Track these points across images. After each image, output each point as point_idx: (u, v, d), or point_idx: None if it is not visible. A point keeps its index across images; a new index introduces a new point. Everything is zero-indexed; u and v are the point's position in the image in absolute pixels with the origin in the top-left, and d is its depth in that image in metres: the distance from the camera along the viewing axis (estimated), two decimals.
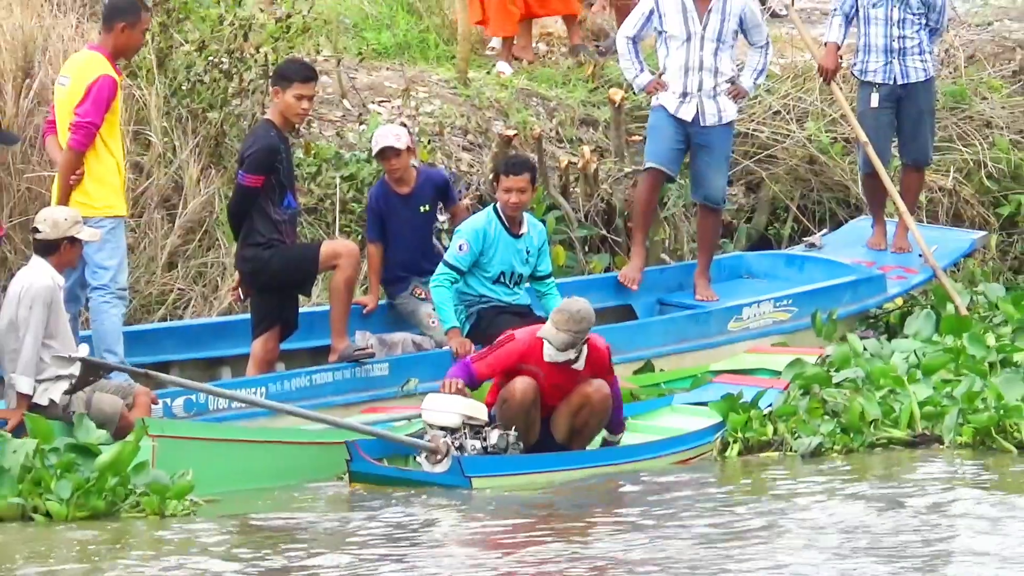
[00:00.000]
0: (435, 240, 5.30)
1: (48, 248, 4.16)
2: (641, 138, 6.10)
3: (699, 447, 4.51)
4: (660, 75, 5.79)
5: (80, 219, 4.34)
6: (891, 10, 5.91)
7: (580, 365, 4.36)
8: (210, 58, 5.93)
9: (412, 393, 4.65)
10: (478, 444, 4.17)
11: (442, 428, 4.15)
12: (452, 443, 4.12)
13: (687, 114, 5.52)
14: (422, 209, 5.05)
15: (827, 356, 5.07)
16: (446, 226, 5.32)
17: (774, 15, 7.20)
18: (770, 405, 4.71)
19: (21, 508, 3.72)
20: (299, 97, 4.64)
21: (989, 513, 3.77)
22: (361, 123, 5.78)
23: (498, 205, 4.93)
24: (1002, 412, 4.59)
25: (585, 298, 4.64)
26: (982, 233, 6.34)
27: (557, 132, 6.25)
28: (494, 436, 4.21)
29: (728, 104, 5.70)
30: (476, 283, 4.83)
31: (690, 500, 4.17)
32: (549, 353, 4.23)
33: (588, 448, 4.46)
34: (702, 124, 5.59)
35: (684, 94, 5.62)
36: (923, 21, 6.04)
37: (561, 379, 4.24)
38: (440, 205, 5.20)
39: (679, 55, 5.52)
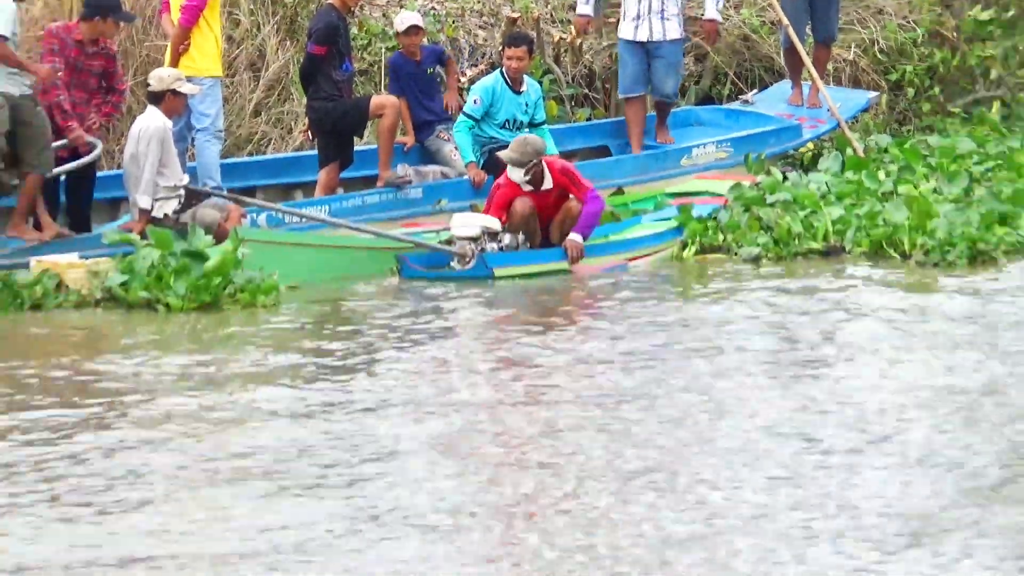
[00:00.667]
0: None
1: (156, 98, 5.33)
2: (615, 20, 7.21)
3: (662, 245, 5.73)
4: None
5: (181, 76, 5.51)
6: None
7: (548, 185, 5.47)
8: None
9: (442, 211, 5.82)
10: (495, 246, 5.38)
11: (467, 238, 5.35)
12: (475, 248, 5.35)
13: (643, 35, 6.67)
14: (428, 71, 6.28)
15: (760, 183, 6.22)
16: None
17: None
18: (713, 215, 5.89)
19: (148, 300, 4.88)
20: None
21: (878, 301, 5.06)
22: (401, 6, 6.93)
23: (504, 69, 6.17)
24: (891, 229, 5.79)
25: (570, 142, 6.00)
26: (875, 93, 7.62)
27: (551, 14, 7.52)
28: (507, 238, 5.45)
29: (674, 26, 6.80)
30: (488, 128, 6.02)
31: (656, 292, 5.46)
32: (511, 174, 5.44)
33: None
34: (655, 40, 6.68)
35: (637, 16, 6.68)
36: None
37: (542, 201, 5.48)
38: (435, 69, 6.43)
39: None
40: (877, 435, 3.38)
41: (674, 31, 6.85)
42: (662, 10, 6.76)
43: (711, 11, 6.81)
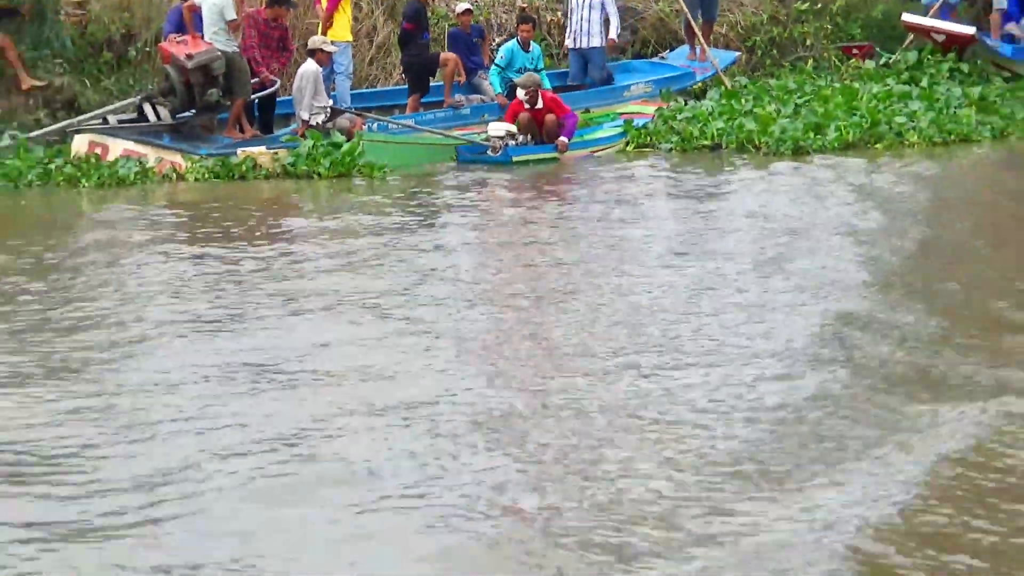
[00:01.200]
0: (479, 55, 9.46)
1: (311, 53, 8.19)
2: None
3: (614, 144, 8.85)
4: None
5: (327, 40, 8.41)
6: None
7: (540, 105, 8.29)
8: None
9: (484, 122, 8.57)
10: (513, 142, 8.29)
11: (497, 137, 8.26)
12: (502, 143, 8.25)
13: (578, 44, 9.66)
14: (474, 39, 9.34)
15: (671, 106, 9.31)
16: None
17: None
18: (645, 125, 8.92)
19: (307, 172, 7.73)
20: None
21: (742, 173, 7.93)
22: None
23: (517, 37, 9.21)
24: (749, 133, 8.63)
25: (556, 82, 9.31)
26: (738, 53, 10.77)
27: (546, 4, 10.69)
28: (520, 138, 8.36)
29: (596, 38, 9.51)
30: (509, 73, 8.95)
31: (609, 174, 8.24)
32: (519, 94, 8.36)
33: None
34: (585, 47, 9.62)
35: (572, 31, 9.66)
36: None
37: (537, 116, 8.34)
38: (479, 39, 9.47)
39: (574, 11, 9.64)
40: (754, 252, 5.41)
41: (597, 40, 9.59)
42: (589, 28, 9.52)
43: (614, 34, 9.65)
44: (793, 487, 2.48)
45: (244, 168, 7.67)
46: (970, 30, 10.38)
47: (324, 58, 8.28)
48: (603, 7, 9.61)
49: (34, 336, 4.09)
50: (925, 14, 10.68)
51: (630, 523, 2.23)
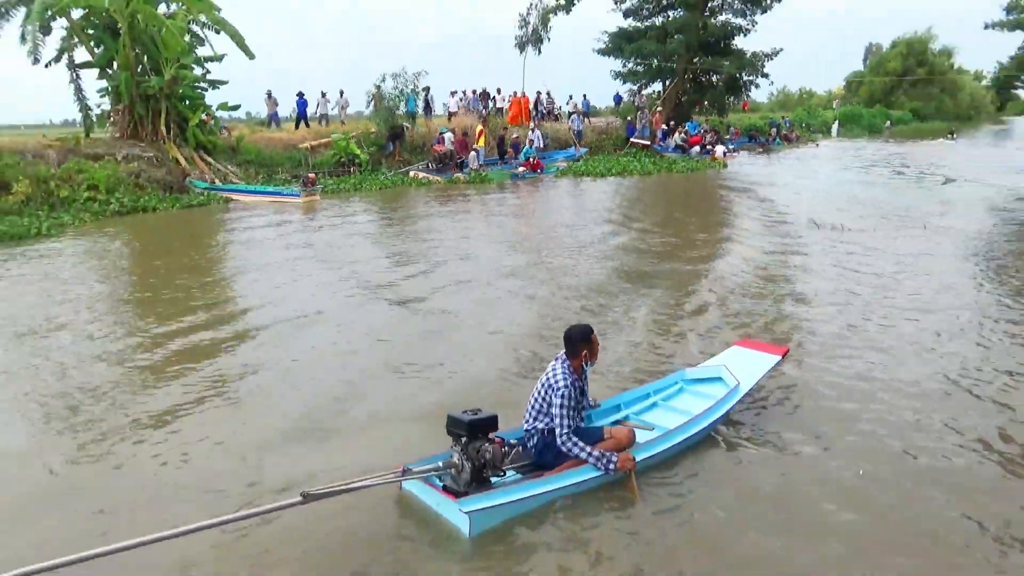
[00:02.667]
0: None
1: None
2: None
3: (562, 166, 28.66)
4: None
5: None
6: None
7: None
8: None
9: None
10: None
11: None
12: None
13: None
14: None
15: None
16: None
17: None
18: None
19: None
20: None
21: (592, 185, 27.99)
22: None
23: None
24: (594, 169, 29.16)
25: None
26: (586, 149, 31.67)
27: None
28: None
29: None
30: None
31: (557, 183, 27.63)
32: None
33: None
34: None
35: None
36: None
37: None
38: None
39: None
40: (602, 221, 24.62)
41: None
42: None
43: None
44: None
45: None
46: (647, 141, 31.70)
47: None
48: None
49: None
50: (631, 136, 31.93)
51: None
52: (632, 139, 32.74)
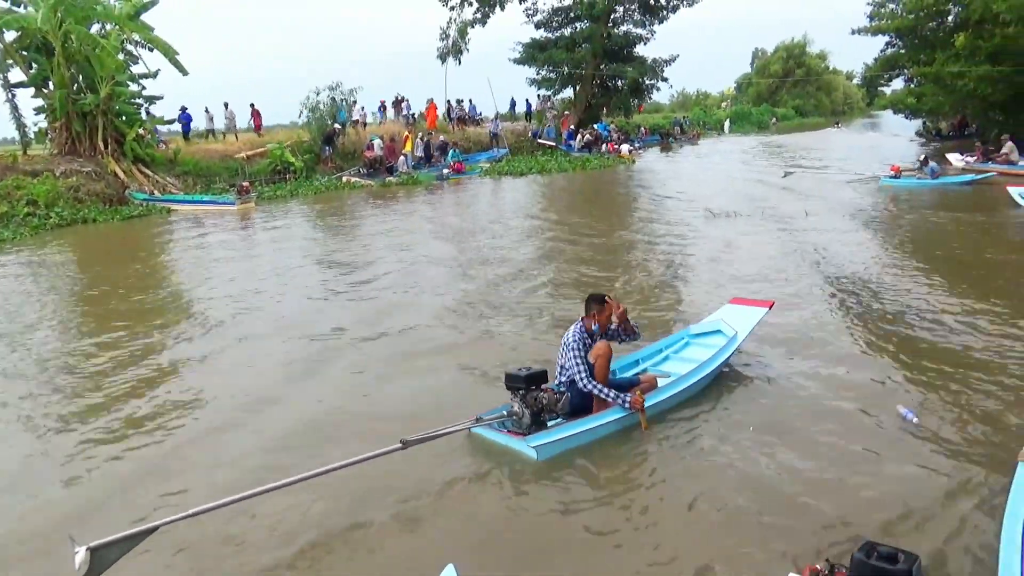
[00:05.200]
0: None
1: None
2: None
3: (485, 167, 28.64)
4: None
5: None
6: None
7: None
8: None
9: None
10: None
11: None
12: None
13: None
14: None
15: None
16: None
17: None
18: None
19: None
20: None
21: (512, 184, 28.16)
22: None
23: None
24: (516, 168, 29.39)
25: None
26: (506, 150, 31.69)
27: None
28: None
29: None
30: None
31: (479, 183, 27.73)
32: None
33: None
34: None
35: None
36: None
37: None
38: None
39: None
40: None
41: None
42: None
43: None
44: None
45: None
46: (552, 142, 31.98)
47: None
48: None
49: None
50: (536, 137, 32.13)
51: None
52: (538, 140, 32.98)
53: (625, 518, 4.13)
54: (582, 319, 5.37)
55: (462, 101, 34.41)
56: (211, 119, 27.73)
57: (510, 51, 38.93)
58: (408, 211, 18.79)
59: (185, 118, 26.61)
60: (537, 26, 38.75)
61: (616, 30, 37.81)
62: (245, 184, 21.48)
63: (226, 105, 27.90)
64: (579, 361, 5.13)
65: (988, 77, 24.43)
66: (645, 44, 38.21)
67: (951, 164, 22.29)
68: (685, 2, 37.01)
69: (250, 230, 16.54)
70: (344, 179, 24.90)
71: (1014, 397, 5.49)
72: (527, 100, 36.12)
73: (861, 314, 7.83)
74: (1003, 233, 12.57)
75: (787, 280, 9.41)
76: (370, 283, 10.07)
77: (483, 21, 36.00)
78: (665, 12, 37.37)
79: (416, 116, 31.78)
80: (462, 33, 35.05)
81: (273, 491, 3.94)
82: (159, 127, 24.69)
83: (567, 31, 38.36)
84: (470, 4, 35.62)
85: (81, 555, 3.11)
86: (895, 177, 19.40)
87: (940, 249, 11.34)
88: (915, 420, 5.08)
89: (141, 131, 22.55)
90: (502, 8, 36.20)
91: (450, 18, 35.82)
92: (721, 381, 6.00)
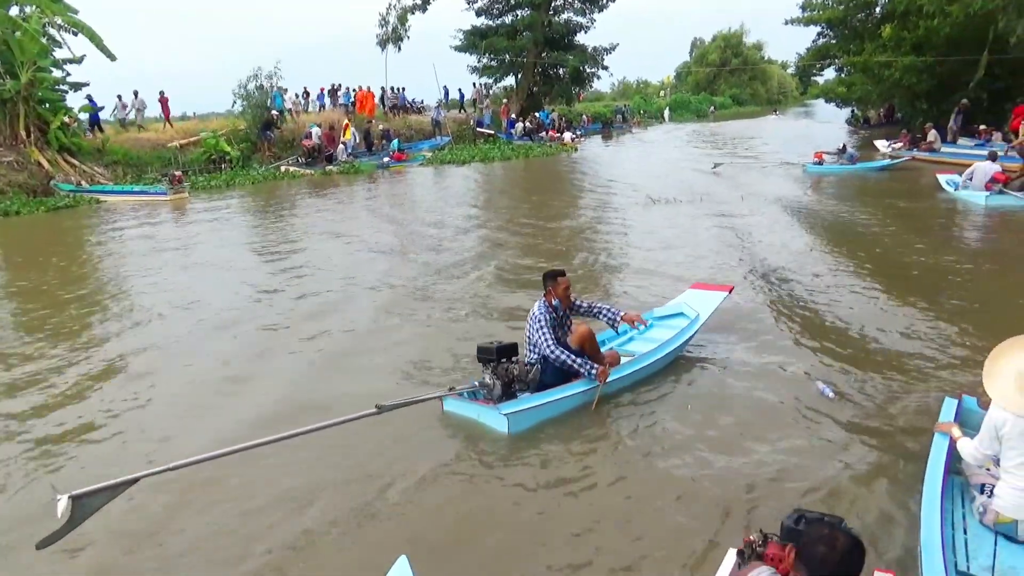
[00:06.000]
0: None
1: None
2: None
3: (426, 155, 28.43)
4: None
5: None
6: None
7: None
8: None
9: None
10: None
11: None
12: None
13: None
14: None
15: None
16: None
17: None
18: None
19: None
20: None
21: (457, 171, 28.04)
22: None
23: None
24: (457, 157, 29.17)
25: None
26: (449, 138, 31.48)
27: None
28: None
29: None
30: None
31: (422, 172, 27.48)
32: None
33: None
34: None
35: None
36: None
37: None
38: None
39: None
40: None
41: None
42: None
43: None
44: None
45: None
46: (491, 131, 31.96)
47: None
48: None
49: None
50: (480, 127, 32.06)
51: None
52: (478, 129, 32.90)
53: (572, 496, 4.25)
54: (544, 295, 5.50)
55: (396, 89, 33.98)
56: (124, 107, 25.67)
57: (451, 38, 38.72)
58: (348, 200, 18.58)
59: (92, 105, 24.12)
60: (478, 13, 38.66)
61: (557, 18, 37.95)
62: (178, 174, 20.86)
63: (136, 94, 25.97)
64: (545, 333, 5.27)
65: (913, 67, 25.40)
66: (586, 32, 38.57)
67: (879, 151, 23.18)
68: None
69: (184, 221, 16.09)
70: (283, 168, 24.41)
71: (929, 372, 5.82)
72: (460, 89, 35.71)
73: (793, 296, 8.16)
74: (929, 217, 13.20)
75: (729, 265, 9.66)
76: (310, 275, 9.94)
77: (423, 7, 35.68)
78: (605, 0, 37.65)
79: (350, 104, 31.17)
80: (402, 19, 34.62)
81: (251, 449, 4.06)
82: (85, 115, 23.71)
83: (508, 19, 38.35)
84: None
85: (63, 503, 3.17)
86: (819, 163, 20.36)
87: (867, 234, 11.80)
88: (831, 395, 5.32)
89: (67, 119, 21.64)
90: None
91: (389, 4, 35.38)
92: (677, 361, 6.21)
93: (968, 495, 3.76)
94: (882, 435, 4.78)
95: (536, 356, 5.37)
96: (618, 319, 5.83)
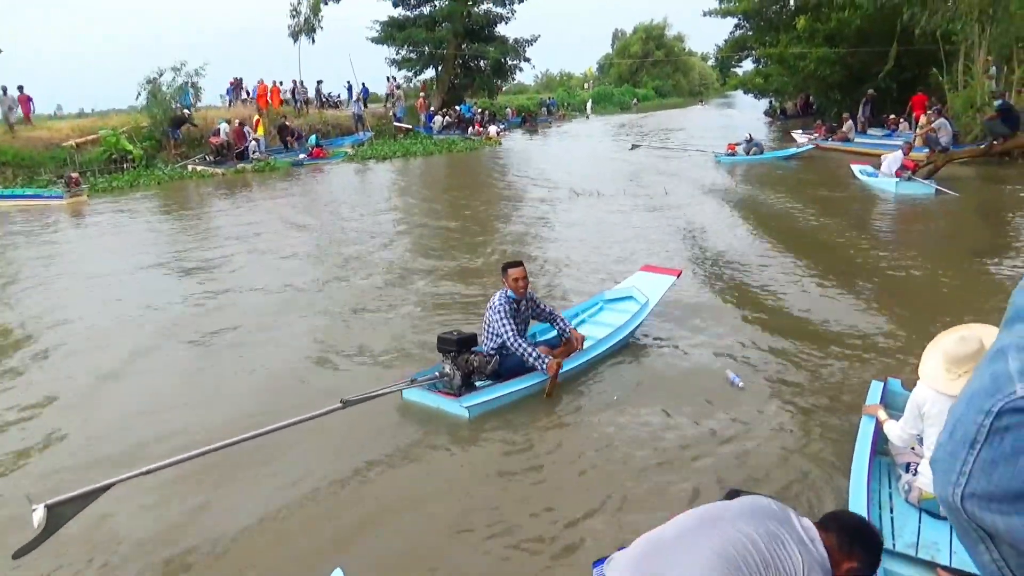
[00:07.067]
0: None
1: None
2: None
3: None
4: None
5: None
6: None
7: None
8: None
9: None
10: None
11: None
12: None
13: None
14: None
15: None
16: None
17: None
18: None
19: None
20: None
21: (389, 167, 27.63)
22: None
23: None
24: (382, 152, 28.77)
25: None
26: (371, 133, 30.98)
27: None
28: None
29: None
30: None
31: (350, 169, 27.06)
32: None
33: None
34: None
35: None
36: None
37: None
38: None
39: None
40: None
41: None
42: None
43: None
44: None
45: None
46: (409, 125, 31.66)
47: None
48: None
49: None
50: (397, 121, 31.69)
51: None
52: (396, 124, 32.46)
53: (527, 475, 4.45)
54: (504, 286, 5.69)
55: (301, 83, 32.79)
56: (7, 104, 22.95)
57: (367, 30, 38.07)
58: (261, 200, 17.92)
59: None
60: (395, 3, 38.09)
61: (476, 8, 37.78)
62: (75, 175, 19.75)
63: (4, 90, 22.85)
64: (506, 324, 5.45)
65: (826, 58, 26.46)
66: (507, 24, 38.44)
67: (796, 141, 24.04)
68: None
69: (82, 227, 15.21)
70: (190, 167, 23.46)
71: (855, 356, 6.09)
72: (363, 84, 34.55)
73: (725, 282, 8.48)
74: (847, 204, 13.77)
75: (661, 253, 9.85)
76: (223, 286, 9.44)
77: None
78: None
79: (252, 100, 30.00)
80: (315, 9, 33.78)
81: (218, 450, 4.11)
82: None
83: (426, 9, 37.97)
84: None
85: (39, 512, 3.27)
86: (731, 155, 21.55)
87: (786, 220, 12.18)
88: (740, 384, 5.53)
89: None
90: None
91: None
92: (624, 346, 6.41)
93: (894, 475, 3.90)
94: (810, 417, 4.98)
95: (494, 346, 5.54)
96: (566, 334, 5.92)
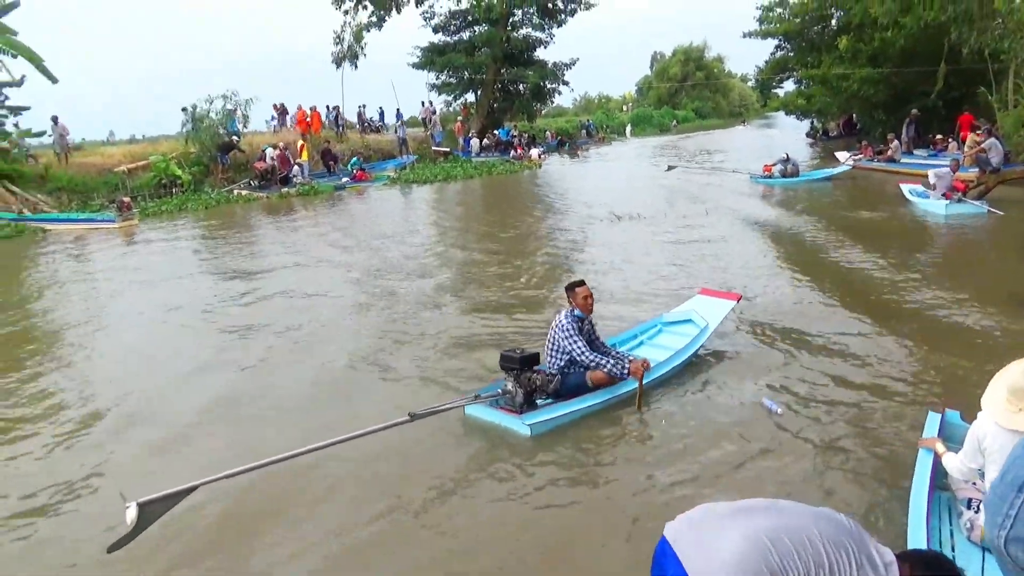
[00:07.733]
0: None
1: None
2: None
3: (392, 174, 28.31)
4: None
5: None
6: None
7: None
8: None
9: None
10: None
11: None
12: None
13: None
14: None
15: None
16: None
17: None
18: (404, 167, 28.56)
19: None
20: None
21: (420, 192, 27.94)
22: None
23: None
24: (425, 176, 29.28)
25: None
26: (415, 157, 31.53)
27: None
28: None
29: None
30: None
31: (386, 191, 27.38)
32: None
33: None
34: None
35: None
36: None
37: None
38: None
39: None
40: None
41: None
42: None
43: None
44: None
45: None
46: (447, 149, 32.01)
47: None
48: None
49: None
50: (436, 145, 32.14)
51: None
52: (435, 148, 33.04)
53: (587, 492, 4.53)
54: (569, 305, 5.83)
55: (335, 107, 33.39)
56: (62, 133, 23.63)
57: (408, 56, 38.88)
58: (306, 224, 18.37)
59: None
60: (435, 30, 38.88)
61: (515, 33, 38.35)
62: (126, 200, 20.50)
63: (55, 120, 23.39)
64: (576, 341, 5.59)
65: (870, 78, 26.26)
66: (545, 47, 38.95)
67: (840, 162, 23.86)
68: (582, 5, 37.93)
69: (134, 249, 15.78)
70: (235, 192, 24.16)
71: (910, 389, 5.87)
72: (397, 109, 35.15)
73: (774, 312, 8.18)
74: (891, 227, 13.61)
75: (708, 276, 9.87)
76: (276, 310, 9.57)
77: (379, 24, 35.77)
78: (563, 15, 38.20)
79: (292, 127, 30.57)
80: (357, 37, 34.68)
81: (292, 458, 4.32)
82: (28, 140, 23.22)
83: (466, 35, 38.66)
84: (364, 7, 35.30)
85: (132, 510, 3.48)
86: (768, 176, 21.39)
87: (829, 248, 12.10)
88: (779, 412, 5.45)
89: (6, 144, 21.19)
90: (398, 11, 36.06)
91: (344, 21, 35.45)
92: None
93: (955, 511, 3.73)
94: (866, 452, 4.77)
95: (560, 363, 5.67)
96: (625, 374, 5.70)
